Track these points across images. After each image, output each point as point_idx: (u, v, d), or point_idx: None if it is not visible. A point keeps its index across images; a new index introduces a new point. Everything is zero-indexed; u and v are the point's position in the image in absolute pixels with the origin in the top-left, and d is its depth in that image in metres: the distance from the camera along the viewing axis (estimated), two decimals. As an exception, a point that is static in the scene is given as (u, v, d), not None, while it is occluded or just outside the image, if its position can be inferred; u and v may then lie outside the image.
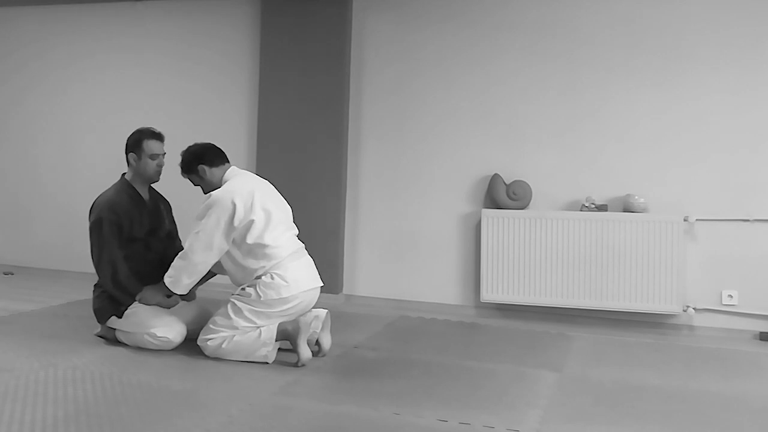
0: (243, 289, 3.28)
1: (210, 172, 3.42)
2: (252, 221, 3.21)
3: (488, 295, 4.54)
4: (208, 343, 3.24)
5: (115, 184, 3.58)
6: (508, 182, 4.59)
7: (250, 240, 3.21)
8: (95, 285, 3.56)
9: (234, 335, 3.20)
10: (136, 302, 3.39)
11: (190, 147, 3.50)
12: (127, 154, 3.54)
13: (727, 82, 4.28)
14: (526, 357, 3.50)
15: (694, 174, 4.33)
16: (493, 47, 4.72)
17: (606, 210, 4.38)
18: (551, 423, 2.54)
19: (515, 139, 4.67)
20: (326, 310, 3.44)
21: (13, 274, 5.67)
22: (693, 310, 4.28)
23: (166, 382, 2.87)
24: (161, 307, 3.41)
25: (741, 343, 4.04)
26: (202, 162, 3.42)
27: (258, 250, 3.22)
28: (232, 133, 5.30)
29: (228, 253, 3.28)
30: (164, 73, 5.52)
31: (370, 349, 3.56)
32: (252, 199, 3.25)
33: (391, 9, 4.95)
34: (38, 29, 5.90)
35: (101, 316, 3.49)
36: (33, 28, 5.92)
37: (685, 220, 4.27)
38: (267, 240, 3.23)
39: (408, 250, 4.88)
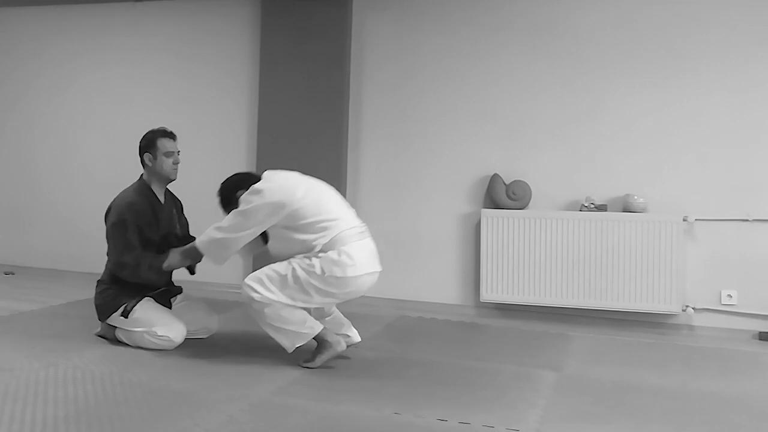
0: (309, 259, 3.08)
1: None
2: (297, 210, 3.08)
3: (488, 294, 4.55)
4: (254, 295, 3.07)
5: (133, 184, 3.56)
6: (507, 182, 4.59)
7: (303, 221, 3.08)
8: (98, 281, 3.56)
9: (284, 306, 3.08)
10: (138, 303, 3.39)
11: (223, 182, 3.38)
12: (141, 155, 3.52)
13: (726, 82, 4.28)
14: (526, 357, 3.50)
15: (693, 174, 4.33)
16: (493, 46, 4.72)
17: (605, 210, 4.39)
18: (551, 423, 2.54)
19: (515, 139, 4.67)
20: (360, 339, 3.47)
21: (13, 274, 5.67)
22: (692, 310, 4.28)
23: (166, 382, 2.87)
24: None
25: (740, 343, 4.05)
26: (240, 188, 3.27)
27: (313, 225, 3.09)
28: (232, 132, 5.30)
29: (275, 234, 3.15)
30: (164, 73, 5.52)
31: (370, 349, 3.56)
32: (295, 189, 3.14)
33: (391, 8, 4.95)
34: (37, 29, 5.90)
35: (102, 312, 3.48)
36: (32, 29, 5.91)
37: (684, 220, 4.27)
38: (323, 215, 3.10)
39: (408, 250, 4.88)
